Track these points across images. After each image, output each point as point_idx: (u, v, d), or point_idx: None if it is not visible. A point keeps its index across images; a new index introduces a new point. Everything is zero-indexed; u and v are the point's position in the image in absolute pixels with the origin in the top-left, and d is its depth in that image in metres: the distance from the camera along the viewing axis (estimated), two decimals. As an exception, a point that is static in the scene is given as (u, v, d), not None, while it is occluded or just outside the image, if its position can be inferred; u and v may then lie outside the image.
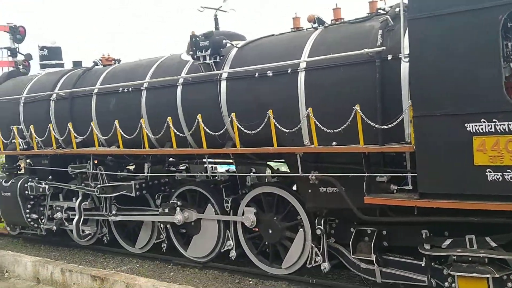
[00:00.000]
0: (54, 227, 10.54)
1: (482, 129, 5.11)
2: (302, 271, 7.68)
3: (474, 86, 5.11)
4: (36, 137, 10.17)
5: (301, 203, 7.42)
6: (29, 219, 10.82)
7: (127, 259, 9.80)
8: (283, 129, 6.70)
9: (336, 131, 6.18)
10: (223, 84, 7.51)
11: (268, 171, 8.70)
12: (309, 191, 7.06)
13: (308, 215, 7.35)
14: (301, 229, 7.44)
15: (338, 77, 6.40)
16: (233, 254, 8.34)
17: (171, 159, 9.60)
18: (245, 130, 7.09)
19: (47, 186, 10.49)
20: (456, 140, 5.26)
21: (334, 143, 6.43)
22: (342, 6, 7.22)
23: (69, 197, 10.57)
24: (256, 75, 7.13)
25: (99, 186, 9.55)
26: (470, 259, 5.75)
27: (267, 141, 7.01)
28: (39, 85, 10.72)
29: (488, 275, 5.58)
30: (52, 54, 11.70)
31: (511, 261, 5.69)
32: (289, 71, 6.78)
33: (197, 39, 7.61)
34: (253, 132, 6.97)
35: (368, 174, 6.20)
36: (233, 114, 7.19)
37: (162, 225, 9.20)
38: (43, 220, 10.80)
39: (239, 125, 7.15)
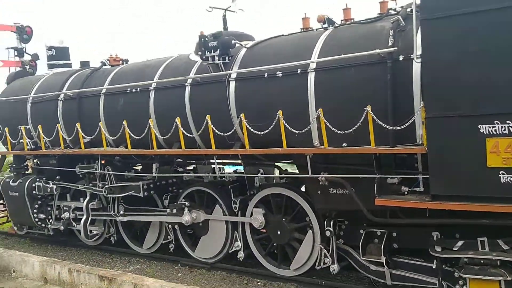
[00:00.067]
0: (62, 227, 10.55)
1: (495, 130, 5.06)
2: (310, 273, 7.64)
3: (488, 87, 5.05)
4: (44, 137, 10.18)
5: (310, 204, 7.38)
6: (36, 219, 10.82)
7: (134, 260, 9.79)
8: (292, 130, 6.67)
9: (346, 132, 6.14)
10: (232, 84, 7.48)
11: (276, 171, 8.67)
12: (319, 192, 7.02)
13: (317, 217, 7.32)
14: (310, 231, 7.41)
15: (349, 78, 6.36)
16: (241, 255, 8.32)
17: (178, 159, 9.57)
18: (254, 131, 7.06)
19: (54, 186, 10.49)
20: (469, 141, 5.21)
21: (344, 144, 6.39)
22: (350, 7, 7.20)
23: (76, 197, 10.58)
24: (266, 76, 7.10)
25: (107, 186, 9.54)
26: (482, 261, 5.68)
27: (276, 142, 6.99)
28: (47, 85, 10.73)
29: (500, 278, 5.52)
30: (59, 54, 11.71)
31: (523, 264, 5.64)
32: (298, 71, 6.75)
33: (206, 39, 7.59)
34: (263, 133, 6.93)
35: (379, 176, 6.16)
36: (242, 115, 7.16)
37: (169, 226, 9.19)
38: (50, 220, 10.80)
39: (248, 126, 7.12)
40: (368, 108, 5.91)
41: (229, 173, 8.95)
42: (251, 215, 8.03)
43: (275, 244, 8.00)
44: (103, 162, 9.77)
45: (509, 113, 4.97)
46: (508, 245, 5.63)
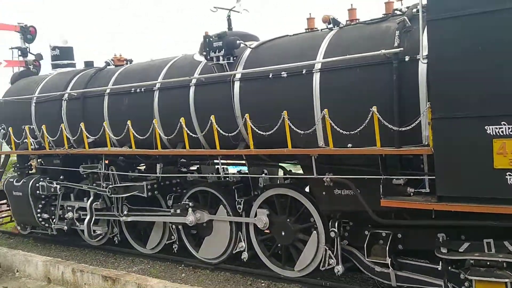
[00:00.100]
0: (65, 227, 10.54)
1: (502, 131, 5.04)
2: (315, 274, 7.62)
3: (495, 88, 5.03)
4: (48, 136, 10.18)
5: (315, 205, 7.36)
6: (40, 219, 10.83)
7: (138, 260, 9.78)
8: (297, 130, 6.65)
9: (352, 133, 6.11)
10: (237, 85, 7.47)
11: (280, 172, 8.66)
12: (323, 193, 7.00)
13: (322, 217, 7.30)
14: (315, 232, 7.39)
15: (354, 78, 6.34)
16: (245, 255, 8.30)
17: (182, 160, 9.56)
18: (259, 131, 7.04)
19: (58, 186, 10.49)
20: (475, 142, 5.19)
21: (349, 145, 6.37)
22: (356, 7, 7.18)
23: (80, 197, 10.58)
24: (270, 76, 7.08)
25: (110, 186, 9.54)
26: (488, 263, 5.67)
27: (281, 143, 6.97)
28: (51, 85, 10.73)
29: (506, 280, 5.50)
30: (64, 54, 11.72)
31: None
32: (304, 72, 6.73)
33: (211, 39, 7.58)
34: (267, 133, 6.91)
35: (384, 177, 6.14)
36: (247, 115, 7.15)
37: (173, 226, 9.18)
38: (54, 220, 10.80)
39: (252, 126, 7.10)
40: (374, 108, 5.88)
41: (233, 174, 8.91)
42: (255, 215, 8.01)
43: (279, 245, 7.98)
44: (106, 162, 9.77)
45: (516, 114, 4.94)
46: (515, 247, 5.61)
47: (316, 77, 6.62)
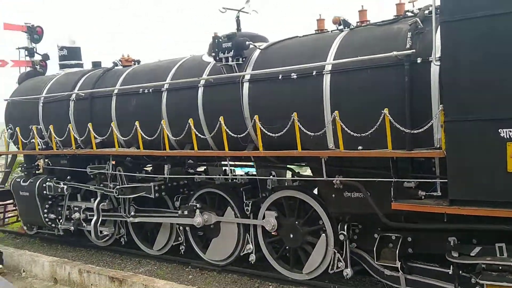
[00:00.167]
0: (72, 228, 10.53)
1: (516, 135, 4.98)
2: (323, 277, 7.57)
3: (509, 90, 4.97)
4: (55, 137, 10.17)
5: (324, 208, 7.31)
6: (47, 219, 10.82)
7: (144, 261, 9.74)
8: (307, 132, 6.60)
9: (363, 135, 6.06)
10: (246, 86, 7.43)
11: (288, 174, 8.61)
12: (333, 195, 6.95)
13: (331, 220, 7.25)
14: (323, 234, 7.34)
15: (365, 80, 6.29)
16: (252, 258, 8.26)
17: (190, 161, 9.53)
18: (269, 133, 7.00)
19: (65, 186, 10.48)
20: (489, 146, 5.14)
21: (360, 147, 6.31)
22: (362, 8, 7.12)
23: (87, 197, 10.56)
24: (280, 77, 7.04)
25: (118, 187, 9.51)
26: (500, 267, 5.60)
27: (289, 144, 6.92)
28: (59, 85, 10.73)
29: (519, 285, 5.44)
30: (71, 54, 11.72)
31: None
32: (314, 73, 6.68)
33: (220, 40, 7.54)
34: (277, 134, 6.87)
35: (396, 180, 6.08)
36: (256, 117, 7.10)
37: (180, 227, 9.14)
38: (60, 220, 10.79)
39: (262, 128, 7.06)
40: (386, 111, 5.83)
41: (241, 175, 8.87)
42: (263, 217, 7.96)
43: (287, 247, 7.93)
44: (113, 162, 9.74)
45: (531, 117, 4.89)
46: (528, 252, 5.55)
47: (327, 79, 6.57)
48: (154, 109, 8.56)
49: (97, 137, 9.47)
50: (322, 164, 6.80)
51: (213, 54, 7.69)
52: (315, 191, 7.73)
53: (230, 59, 7.48)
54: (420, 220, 6.34)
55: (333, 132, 6.47)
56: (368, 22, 6.99)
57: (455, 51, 5.26)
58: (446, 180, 5.56)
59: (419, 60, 5.80)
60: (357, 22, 7.07)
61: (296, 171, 8.95)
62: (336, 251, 7.19)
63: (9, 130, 11.38)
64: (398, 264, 6.49)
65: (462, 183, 5.39)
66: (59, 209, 10.88)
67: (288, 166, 8.46)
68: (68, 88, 10.31)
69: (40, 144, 10.61)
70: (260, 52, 7.66)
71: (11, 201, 12.42)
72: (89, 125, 9.41)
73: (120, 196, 9.59)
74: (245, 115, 7.40)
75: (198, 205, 8.66)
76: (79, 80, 10.35)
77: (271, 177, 7.98)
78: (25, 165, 11.53)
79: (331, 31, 7.30)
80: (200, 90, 7.99)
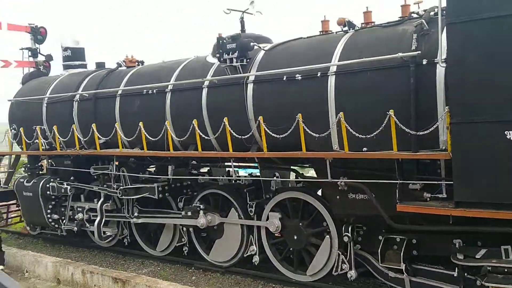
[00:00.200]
0: (75, 228, 10.54)
1: (523, 137, 4.95)
2: (327, 279, 7.54)
3: (516, 93, 4.95)
4: (59, 137, 10.18)
5: (328, 209, 7.29)
6: (50, 220, 10.82)
7: (147, 262, 9.73)
8: (312, 133, 6.59)
9: (368, 136, 6.04)
10: (250, 87, 7.43)
11: (292, 175, 8.59)
12: (337, 197, 6.94)
13: (335, 222, 7.23)
14: (328, 236, 7.32)
15: (370, 82, 6.28)
16: (256, 259, 8.24)
17: (193, 162, 9.52)
18: (273, 134, 6.99)
19: (69, 187, 10.48)
20: (495, 147, 5.12)
21: (364, 148, 6.30)
22: (367, 10, 7.11)
23: (90, 198, 10.56)
24: (284, 79, 7.04)
25: (121, 188, 9.51)
26: (505, 270, 5.59)
27: (294, 145, 6.91)
28: (62, 86, 10.74)
29: (525, 287, 5.42)
30: (75, 55, 11.72)
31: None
32: (318, 74, 6.68)
33: (224, 41, 7.54)
34: (282, 136, 6.86)
35: (401, 181, 6.06)
36: (260, 118, 7.10)
37: (184, 228, 9.13)
38: (64, 221, 10.79)
39: (266, 129, 7.05)
40: (391, 112, 5.82)
41: (245, 177, 8.86)
42: (267, 219, 7.95)
43: (291, 249, 7.92)
44: (117, 163, 9.74)
45: (537, 119, 4.87)
46: (534, 254, 5.53)
47: (331, 80, 6.56)
48: (158, 110, 8.56)
49: (101, 137, 9.47)
50: (326, 165, 6.78)
51: (218, 55, 7.68)
52: (319, 193, 7.72)
53: (234, 60, 7.48)
54: (425, 222, 6.33)
55: (338, 133, 6.46)
56: (373, 24, 6.97)
57: (461, 52, 5.24)
58: (452, 182, 5.54)
59: (424, 62, 5.79)
60: (362, 23, 7.06)
61: (302, 172, 8.94)
62: (340, 253, 7.17)
63: (12, 130, 11.40)
64: (403, 266, 6.47)
65: (467, 185, 5.36)
66: (63, 209, 10.88)
67: (292, 167, 8.45)
68: (72, 89, 10.32)
69: (43, 145, 10.62)
70: (265, 53, 7.66)
71: (14, 201, 12.44)
72: (93, 125, 9.41)
73: (123, 197, 9.58)
74: (249, 116, 7.40)
75: (201, 206, 8.65)
76: (83, 81, 10.36)
77: (275, 178, 7.97)
78: (28, 165, 11.55)
79: (336, 32, 7.29)
80: (204, 91, 7.99)
